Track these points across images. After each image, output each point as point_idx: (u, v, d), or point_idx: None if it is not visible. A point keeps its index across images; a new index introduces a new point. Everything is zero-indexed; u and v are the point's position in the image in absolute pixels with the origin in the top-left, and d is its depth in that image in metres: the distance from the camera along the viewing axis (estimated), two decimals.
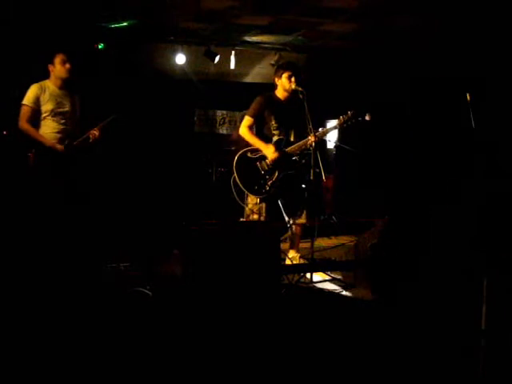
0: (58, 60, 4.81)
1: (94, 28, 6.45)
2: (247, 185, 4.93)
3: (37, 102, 4.76)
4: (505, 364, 2.74)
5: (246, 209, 5.02)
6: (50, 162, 4.75)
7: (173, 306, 3.67)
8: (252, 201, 4.98)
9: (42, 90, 4.79)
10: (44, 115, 4.79)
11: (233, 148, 7.25)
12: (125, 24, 6.37)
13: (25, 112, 4.75)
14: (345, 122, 4.81)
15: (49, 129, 4.80)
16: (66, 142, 4.79)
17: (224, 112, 8.69)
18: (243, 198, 5.03)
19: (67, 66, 4.81)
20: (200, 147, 8.04)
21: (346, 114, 4.81)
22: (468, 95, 5.06)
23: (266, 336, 3.26)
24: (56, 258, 4.44)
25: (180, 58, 7.26)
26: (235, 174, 4.94)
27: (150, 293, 4.01)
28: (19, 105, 4.80)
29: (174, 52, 7.25)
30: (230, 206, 5.77)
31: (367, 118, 7.95)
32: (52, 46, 5.67)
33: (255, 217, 4.94)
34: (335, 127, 4.94)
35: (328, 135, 5.05)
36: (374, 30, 6.63)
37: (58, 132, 4.83)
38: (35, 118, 4.78)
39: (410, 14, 5.99)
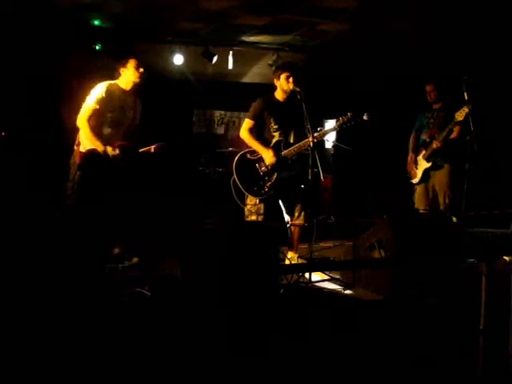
0: (131, 64, 4.69)
1: (90, 28, 6.45)
2: (247, 186, 4.94)
3: (102, 103, 4.58)
4: (502, 362, 2.74)
5: (245, 209, 5.02)
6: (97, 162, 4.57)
7: (171, 306, 3.67)
8: (251, 201, 4.98)
9: (111, 92, 4.64)
10: (106, 119, 4.64)
11: (230, 149, 7.26)
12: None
13: (88, 110, 4.55)
14: (344, 123, 4.82)
15: (106, 133, 4.66)
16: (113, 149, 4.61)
17: (222, 112, 8.70)
18: (243, 199, 5.04)
19: (141, 69, 4.72)
20: (198, 147, 8.04)
21: (346, 115, 4.82)
22: (466, 95, 5.08)
23: (264, 336, 3.26)
24: (58, 258, 4.44)
25: (178, 59, 7.25)
26: (235, 176, 4.95)
27: (148, 293, 4.02)
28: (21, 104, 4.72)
29: (172, 52, 7.24)
30: (228, 206, 5.76)
31: (365, 117, 7.95)
32: (49, 50, 5.69)
33: (253, 217, 4.95)
34: (334, 128, 4.94)
35: (326, 136, 5.06)
36: (373, 29, 6.64)
37: (110, 138, 4.66)
38: (96, 118, 4.59)
39: (409, 14, 6.00)
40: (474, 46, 6.72)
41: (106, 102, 4.62)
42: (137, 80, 4.75)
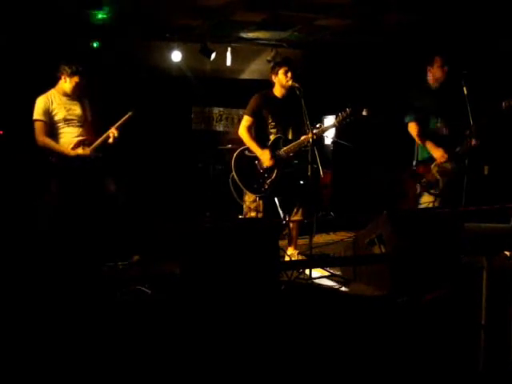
0: (65, 75, 4.81)
1: (88, 26, 6.42)
2: (246, 183, 4.93)
3: (48, 114, 4.77)
4: (504, 358, 2.74)
5: (244, 206, 5.02)
6: (71, 167, 4.79)
7: (171, 304, 3.67)
8: (249, 198, 4.98)
9: (49, 100, 4.81)
10: (58, 125, 4.82)
11: (230, 146, 7.24)
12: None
13: (39, 127, 4.76)
14: (343, 119, 4.80)
15: (68, 135, 4.83)
16: (82, 148, 4.81)
17: (221, 109, 8.67)
18: (241, 196, 5.03)
19: (76, 79, 4.82)
20: (197, 144, 8.03)
21: (345, 110, 4.80)
22: (465, 89, 5.05)
23: (265, 333, 3.25)
24: (57, 256, 4.45)
25: (176, 56, 7.23)
26: (234, 173, 4.94)
27: (148, 291, 4.01)
28: (17, 106, 4.81)
29: (170, 49, 7.22)
30: (227, 203, 5.75)
31: (364, 113, 7.94)
32: (47, 47, 5.68)
33: (253, 214, 4.95)
34: (334, 125, 4.92)
35: (325, 132, 5.05)
36: (370, 25, 6.62)
37: (76, 136, 4.85)
38: (51, 130, 4.79)
39: (405, 9, 5.98)
40: (473, 40, 6.71)
41: (49, 111, 4.78)
42: (69, 92, 4.84)
